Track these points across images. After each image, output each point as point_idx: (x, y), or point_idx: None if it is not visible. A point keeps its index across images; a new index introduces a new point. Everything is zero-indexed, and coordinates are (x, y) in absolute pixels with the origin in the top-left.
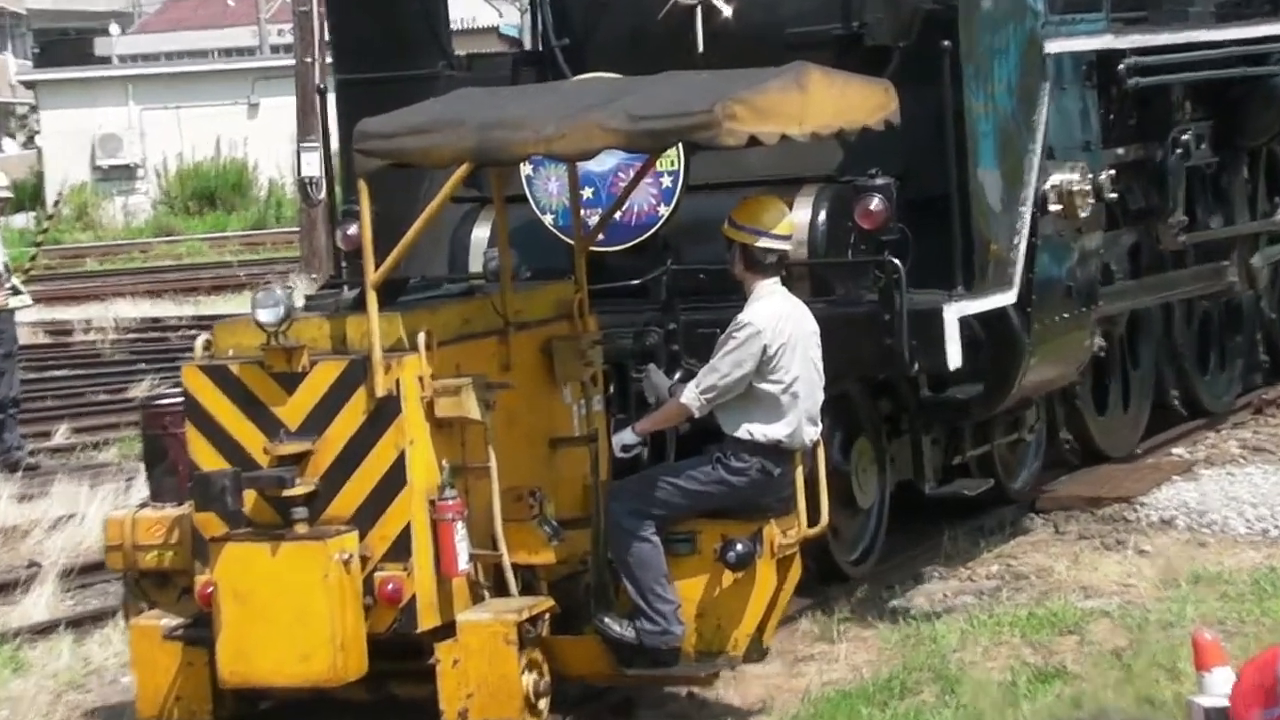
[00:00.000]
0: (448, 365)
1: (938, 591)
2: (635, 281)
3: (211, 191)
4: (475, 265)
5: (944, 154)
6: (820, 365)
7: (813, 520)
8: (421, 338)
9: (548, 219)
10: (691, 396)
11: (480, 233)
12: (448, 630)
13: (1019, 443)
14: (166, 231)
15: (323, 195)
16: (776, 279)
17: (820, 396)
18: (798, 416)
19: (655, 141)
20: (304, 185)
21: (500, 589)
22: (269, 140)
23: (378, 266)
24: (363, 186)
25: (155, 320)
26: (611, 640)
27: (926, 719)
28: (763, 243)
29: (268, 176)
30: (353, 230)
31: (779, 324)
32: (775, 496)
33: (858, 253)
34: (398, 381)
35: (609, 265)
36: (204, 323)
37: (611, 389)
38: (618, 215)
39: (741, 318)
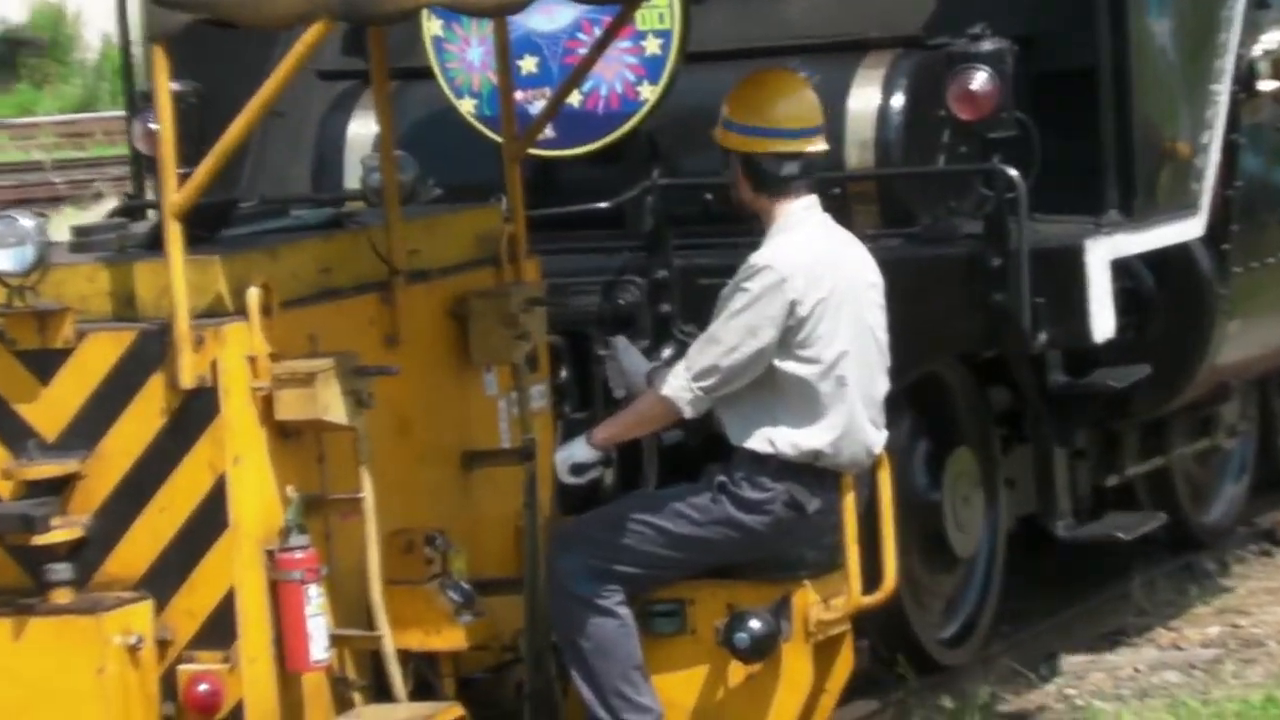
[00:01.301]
0: (297, 338)
1: (1124, 666)
2: (604, 204)
3: (11, 54)
4: (353, 180)
5: (1090, 1)
6: (884, 336)
7: (872, 581)
8: (254, 295)
9: (467, 105)
10: (679, 385)
11: (361, 128)
12: None
13: (1213, 453)
14: None
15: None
16: (810, 200)
17: (884, 385)
18: (846, 416)
19: None
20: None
21: (381, 690)
22: None
23: (184, 181)
24: (159, 56)
25: None
26: None
27: None
28: (772, 145)
29: (100, 32)
30: (152, 123)
31: (814, 269)
32: (811, 545)
33: (953, 158)
34: (214, 364)
35: (565, 179)
36: None
37: (564, 374)
38: (575, 100)
39: (755, 259)
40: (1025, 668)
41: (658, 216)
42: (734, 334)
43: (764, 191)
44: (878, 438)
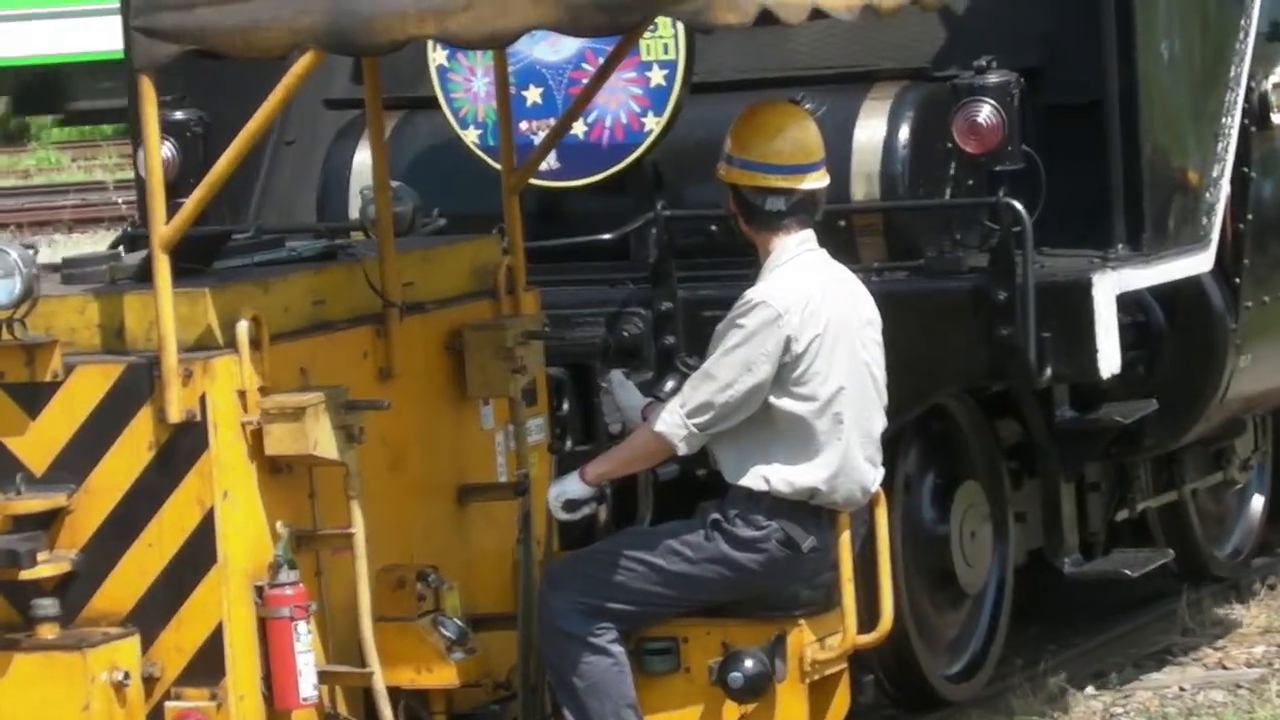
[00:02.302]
0: (287, 372)
1: (1170, 685)
2: (607, 236)
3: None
4: (357, 210)
5: (1098, 33)
6: (881, 374)
7: (868, 620)
8: (243, 328)
9: (471, 135)
10: (673, 422)
11: (367, 158)
12: None
13: (1227, 486)
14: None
15: None
16: (805, 235)
17: (880, 423)
18: (842, 453)
19: (611, 19)
20: None
21: None
22: None
23: (175, 213)
24: (146, 87)
25: None
26: None
27: None
28: (758, 180)
29: None
30: (166, 152)
31: (810, 305)
32: (807, 583)
33: (959, 191)
34: (203, 398)
35: (569, 210)
36: None
37: (565, 407)
38: (579, 131)
39: (750, 295)
40: (1072, 686)
41: (662, 248)
42: (729, 370)
43: (755, 225)
44: (874, 475)
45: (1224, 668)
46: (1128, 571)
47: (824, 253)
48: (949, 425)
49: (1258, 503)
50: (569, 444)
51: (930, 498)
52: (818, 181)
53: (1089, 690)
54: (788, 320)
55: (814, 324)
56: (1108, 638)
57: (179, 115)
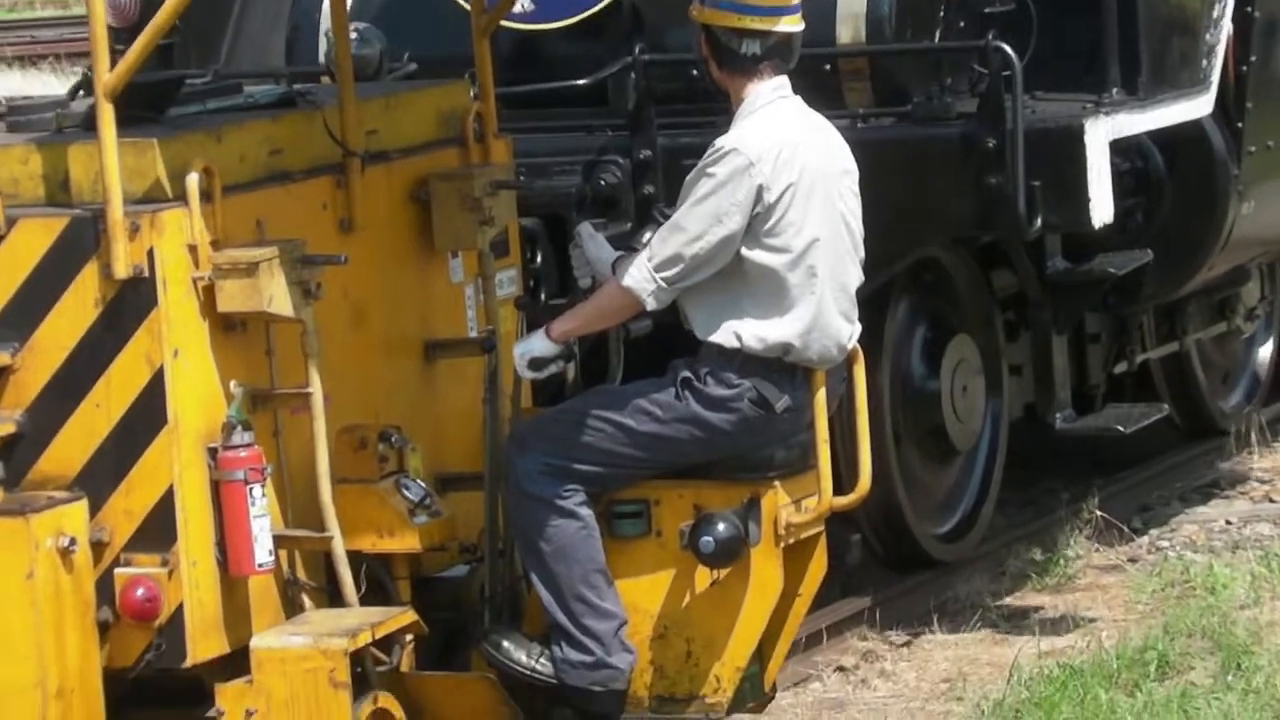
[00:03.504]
0: (242, 224)
1: (1217, 518)
2: (583, 81)
3: None
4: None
5: None
6: (858, 225)
7: (844, 481)
8: (193, 179)
9: None
10: (640, 276)
11: None
12: (239, 663)
13: (1233, 337)
14: None
15: None
16: (779, 82)
17: (857, 276)
18: (816, 307)
19: None
20: None
21: (334, 593)
22: None
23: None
24: None
25: None
26: (515, 679)
27: (1199, 707)
28: (733, 20)
29: None
30: None
31: (783, 153)
32: (781, 444)
33: (951, 34)
34: (151, 253)
35: (544, 54)
36: None
37: (539, 260)
38: None
39: (721, 142)
40: (1118, 520)
41: (640, 93)
42: (699, 221)
43: (728, 70)
44: (850, 331)
45: (1270, 500)
46: (1120, 427)
47: (799, 100)
48: (940, 276)
49: (1265, 352)
50: (544, 297)
51: (920, 352)
52: (794, 25)
53: (1135, 524)
54: (760, 168)
55: (788, 172)
56: (1153, 472)
57: None
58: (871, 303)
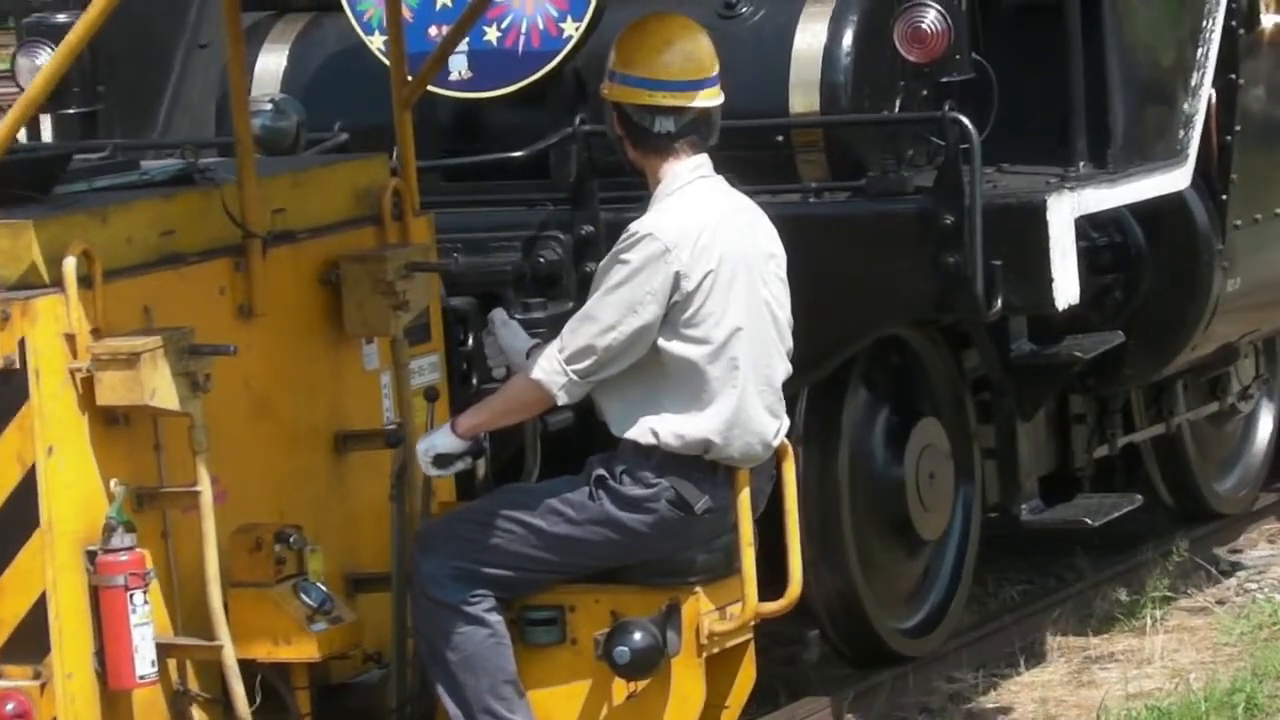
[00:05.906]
0: (127, 311)
1: None
2: (520, 152)
3: None
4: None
5: None
6: (784, 314)
7: (770, 585)
8: (70, 264)
9: (377, 42)
10: (551, 369)
11: (271, 62)
12: None
13: (1226, 416)
14: None
15: None
16: (698, 161)
17: (783, 369)
18: (737, 402)
19: None
20: None
21: (226, 706)
22: None
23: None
24: None
25: None
26: None
27: None
28: (644, 97)
29: None
30: (41, 59)
31: (702, 237)
32: (703, 547)
33: (911, 103)
34: (23, 343)
35: (484, 124)
36: None
37: (470, 343)
38: (493, 37)
39: (635, 227)
40: (1206, 562)
41: (582, 166)
42: (612, 311)
43: (642, 149)
44: (775, 426)
45: None
46: (1088, 520)
47: (721, 179)
48: (907, 358)
49: (1264, 432)
50: (475, 382)
51: (883, 437)
52: (711, 99)
53: (1223, 565)
54: (676, 254)
55: (707, 258)
56: (1244, 515)
57: (62, 18)
58: (827, 386)
